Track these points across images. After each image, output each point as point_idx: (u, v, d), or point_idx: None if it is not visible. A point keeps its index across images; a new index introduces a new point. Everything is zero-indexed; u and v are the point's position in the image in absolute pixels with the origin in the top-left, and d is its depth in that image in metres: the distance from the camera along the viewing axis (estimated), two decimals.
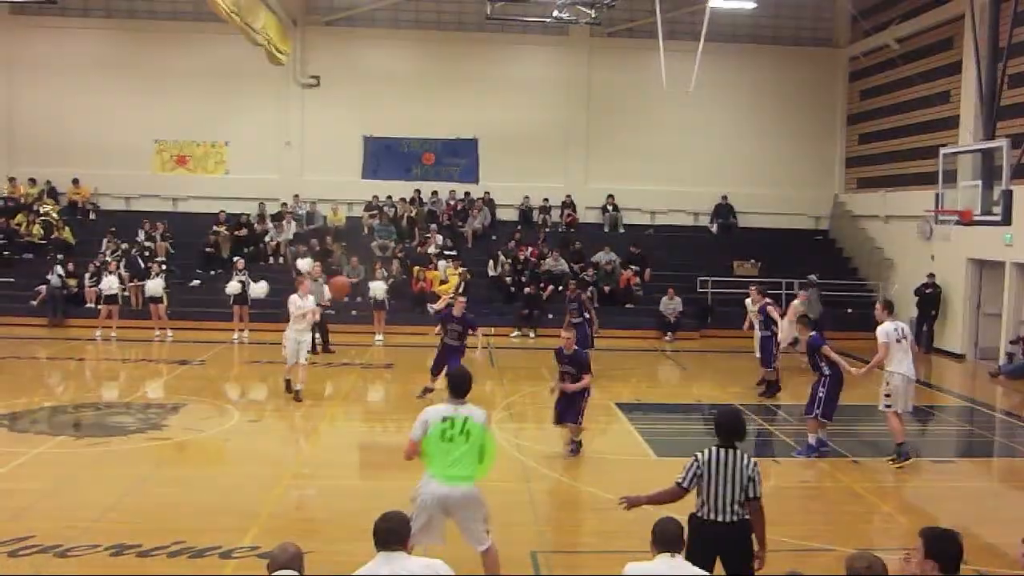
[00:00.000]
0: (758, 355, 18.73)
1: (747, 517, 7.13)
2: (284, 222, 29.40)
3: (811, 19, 32.61)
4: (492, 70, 31.57)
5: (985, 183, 18.68)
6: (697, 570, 6.04)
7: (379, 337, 24.21)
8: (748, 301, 19.42)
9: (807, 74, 32.26)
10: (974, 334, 24.74)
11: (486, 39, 31.31)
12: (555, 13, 27.46)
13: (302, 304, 16.71)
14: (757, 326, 18.78)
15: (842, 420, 15.70)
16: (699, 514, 7.15)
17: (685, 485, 7.19)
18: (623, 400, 17.45)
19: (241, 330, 24.40)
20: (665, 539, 6.08)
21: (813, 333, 14.27)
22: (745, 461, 7.17)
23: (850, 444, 14.72)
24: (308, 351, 17.07)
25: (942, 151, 20.56)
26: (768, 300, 18.74)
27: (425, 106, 31.16)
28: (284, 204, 30.25)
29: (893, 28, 28.41)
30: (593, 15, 27.48)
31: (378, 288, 24.65)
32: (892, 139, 29.08)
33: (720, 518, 7.05)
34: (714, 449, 7.21)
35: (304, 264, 25.01)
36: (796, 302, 20.21)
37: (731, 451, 7.18)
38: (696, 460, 7.19)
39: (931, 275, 25.52)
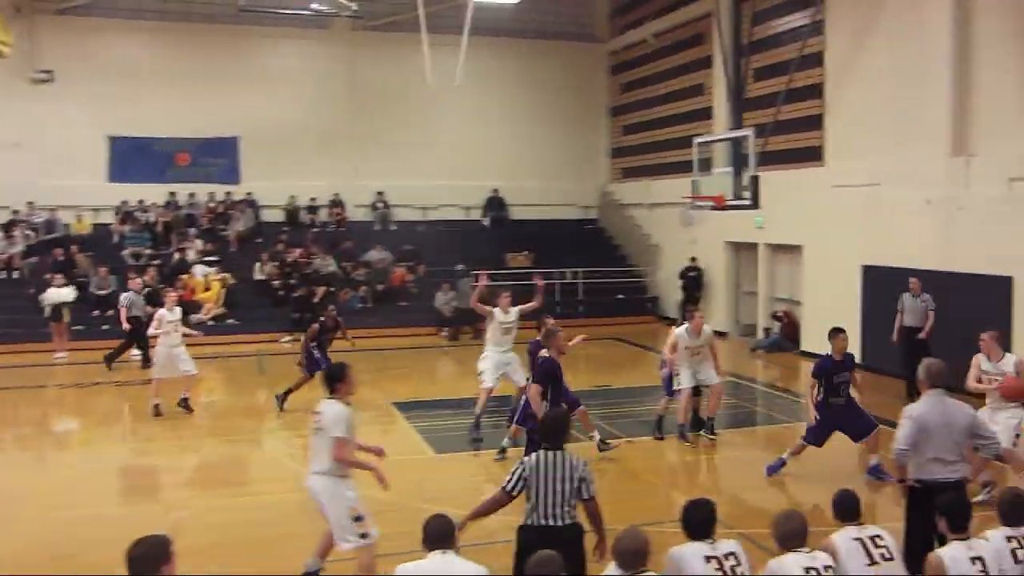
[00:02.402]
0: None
1: (578, 520, 6.93)
2: (17, 232, 26.87)
3: (572, 14, 33.22)
4: (249, 65, 30.32)
5: (735, 170, 19.55)
6: (470, 565, 5.90)
7: (136, 352, 22.60)
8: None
9: (571, 68, 32.87)
10: (735, 312, 25.94)
11: (241, 32, 29.98)
12: (313, 5, 26.82)
13: (171, 317, 16.23)
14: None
15: (617, 401, 16.05)
16: (529, 522, 6.87)
17: (511, 490, 6.91)
18: (400, 399, 17.20)
19: None
20: (435, 537, 5.94)
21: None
22: (574, 462, 6.96)
23: (625, 425, 15.00)
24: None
25: (696, 140, 21.36)
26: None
27: (177, 103, 29.32)
28: (16, 212, 27.72)
29: (649, 24, 29.37)
30: (354, 8, 26.98)
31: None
32: (653, 130, 30.05)
33: (552, 522, 6.79)
34: (541, 453, 6.97)
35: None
36: None
37: (559, 453, 6.96)
38: (522, 464, 6.94)
39: (693, 259, 26.59)
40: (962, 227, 17.62)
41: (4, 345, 23.07)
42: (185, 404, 16.40)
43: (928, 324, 16.59)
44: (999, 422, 10.31)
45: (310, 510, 10.93)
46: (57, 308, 22.80)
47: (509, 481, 6.94)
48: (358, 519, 8.27)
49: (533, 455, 7.01)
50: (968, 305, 16.46)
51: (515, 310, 14.50)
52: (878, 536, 6.27)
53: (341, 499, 8.28)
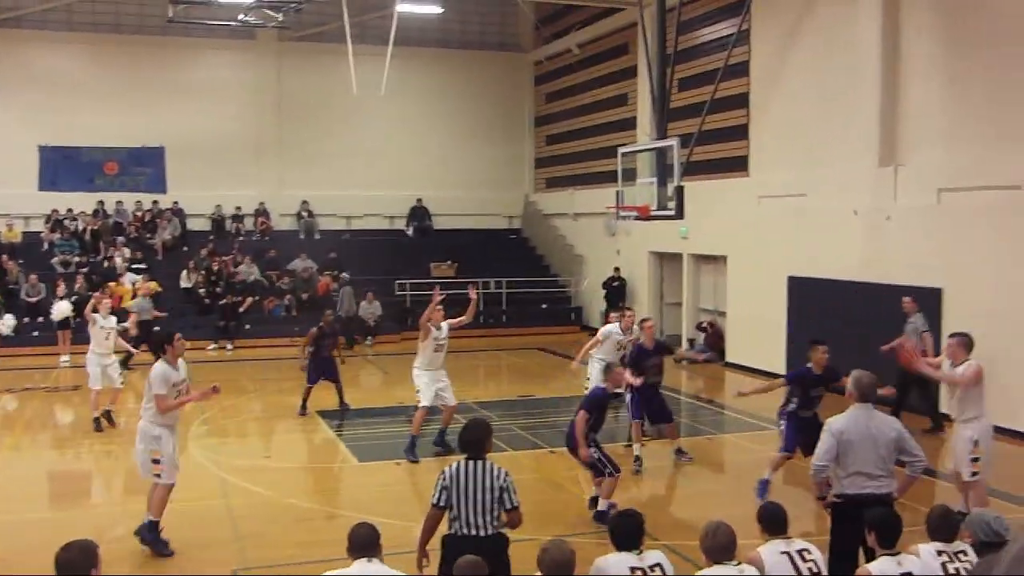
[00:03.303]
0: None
1: (501, 531, 6.93)
2: None
3: (497, 24, 33.48)
4: (177, 75, 30.25)
5: (660, 180, 19.64)
6: (395, 572, 5.91)
7: (65, 358, 22.58)
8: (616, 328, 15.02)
9: (495, 78, 33.10)
10: (659, 323, 26.04)
11: (169, 43, 29.99)
12: (241, 17, 26.66)
13: (104, 324, 15.76)
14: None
15: (540, 411, 16.14)
16: (453, 531, 6.85)
17: (438, 503, 6.87)
18: (324, 407, 17.13)
19: None
20: (360, 544, 5.94)
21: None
22: (495, 472, 6.93)
23: (549, 435, 15.09)
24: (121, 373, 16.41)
25: (620, 150, 21.46)
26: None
27: (106, 113, 29.37)
28: None
29: (573, 34, 29.62)
30: (280, 19, 26.87)
31: (63, 308, 23.06)
32: (577, 140, 30.29)
33: (474, 532, 6.78)
34: (461, 462, 6.95)
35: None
36: None
37: (479, 463, 6.94)
38: (442, 475, 6.91)
39: (617, 268, 26.81)
40: (890, 238, 17.68)
41: None
42: (108, 417, 15.92)
43: (924, 349, 14.56)
44: (958, 443, 10.06)
45: (235, 516, 11.05)
46: None
47: (434, 495, 6.93)
48: (156, 461, 9.71)
49: (453, 464, 7.00)
50: (897, 317, 16.31)
51: (446, 325, 13.83)
52: (805, 550, 6.23)
53: (148, 441, 9.72)
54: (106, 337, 15.84)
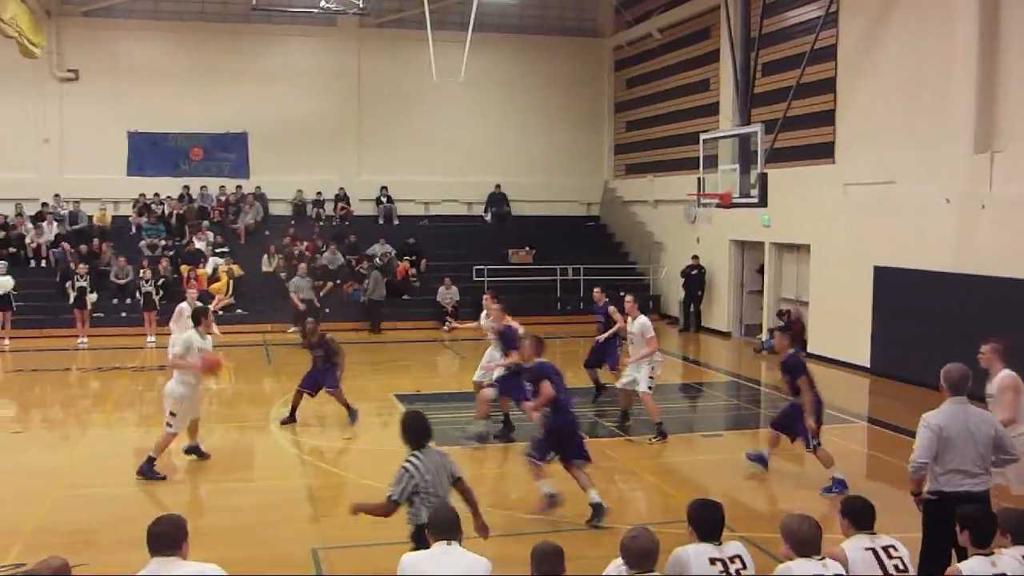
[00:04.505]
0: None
1: None
2: (45, 223, 27.83)
3: (576, 9, 33.34)
4: (260, 62, 30.78)
5: (743, 167, 19.34)
6: (473, 555, 5.93)
7: (151, 339, 23.35)
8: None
9: (574, 63, 32.93)
10: (739, 312, 25.78)
11: (252, 30, 30.57)
12: (322, 3, 26.89)
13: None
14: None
15: (614, 400, 16.00)
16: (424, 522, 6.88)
17: (398, 499, 7.03)
18: (403, 391, 17.24)
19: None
20: (441, 527, 5.98)
21: (792, 350, 12.05)
22: (441, 452, 7.37)
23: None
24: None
25: (702, 137, 21.21)
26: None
27: (192, 100, 30.05)
28: (44, 204, 28.60)
29: (654, 18, 29.27)
30: (361, 5, 27.06)
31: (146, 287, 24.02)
32: (657, 126, 29.95)
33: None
34: (420, 456, 7.13)
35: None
36: None
37: (429, 450, 7.22)
38: (408, 474, 7.02)
39: (695, 257, 26.46)
40: (984, 227, 16.93)
41: (33, 330, 24.06)
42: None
43: None
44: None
45: (314, 496, 11.23)
46: (81, 295, 23.86)
47: (396, 492, 7.03)
48: (172, 414, 11.86)
49: (415, 459, 7.10)
50: (991, 310, 15.81)
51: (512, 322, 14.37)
52: (892, 547, 5.94)
53: (169, 395, 12.00)
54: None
